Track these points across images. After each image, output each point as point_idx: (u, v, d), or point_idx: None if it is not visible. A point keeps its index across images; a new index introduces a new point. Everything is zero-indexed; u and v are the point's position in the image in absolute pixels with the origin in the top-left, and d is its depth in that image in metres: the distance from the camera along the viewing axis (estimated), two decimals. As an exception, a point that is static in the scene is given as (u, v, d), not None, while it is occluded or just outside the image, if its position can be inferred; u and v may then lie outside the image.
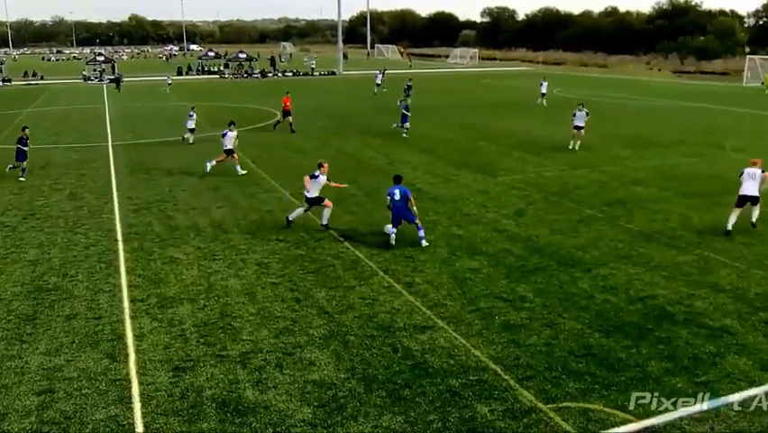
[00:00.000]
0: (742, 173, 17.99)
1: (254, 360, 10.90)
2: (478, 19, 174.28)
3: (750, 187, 17.61)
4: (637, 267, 15.22)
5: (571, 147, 30.44)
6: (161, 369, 10.62)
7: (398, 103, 37.52)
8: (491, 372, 10.50)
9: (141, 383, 10.18)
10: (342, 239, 17.27)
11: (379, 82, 60.08)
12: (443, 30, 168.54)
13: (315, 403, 9.65)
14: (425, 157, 28.79)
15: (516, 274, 14.77)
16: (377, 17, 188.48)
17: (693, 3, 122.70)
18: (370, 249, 16.44)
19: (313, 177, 17.93)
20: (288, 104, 36.42)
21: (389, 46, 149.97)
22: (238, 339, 11.64)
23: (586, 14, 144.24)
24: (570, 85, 66.39)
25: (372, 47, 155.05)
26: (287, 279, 14.54)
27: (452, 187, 23.04)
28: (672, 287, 14.01)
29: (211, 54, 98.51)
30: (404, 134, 33.89)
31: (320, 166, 18.13)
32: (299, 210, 18.36)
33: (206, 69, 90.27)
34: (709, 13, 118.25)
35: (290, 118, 36.14)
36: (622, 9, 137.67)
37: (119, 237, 17.51)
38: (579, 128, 30.56)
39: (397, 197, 16.75)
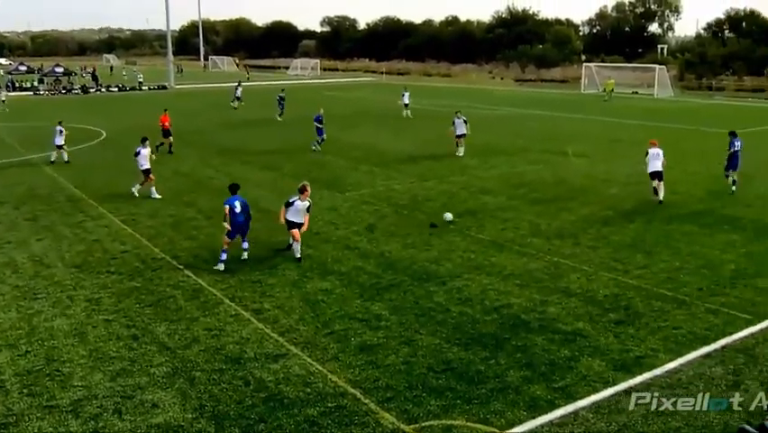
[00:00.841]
0: (647, 154, 22.48)
1: (88, 408, 10.31)
2: (318, 29, 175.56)
3: (657, 164, 22.18)
4: (491, 277, 15.90)
5: (459, 154, 32.44)
6: (-23, 428, 9.82)
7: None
8: (350, 396, 10.56)
9: (-48, 447, 9.37)
10: (181, 267, 16.78)
11: (239, 95, 59.10)
12: (282, 40, 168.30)
13: (161, 449, 9.29)
14: (270, 174, 28.62)
15: (370, 292, 14.98)
16: (210, 27, 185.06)
17: (531, 12, 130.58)
18: (214, 276, 16.07)
19: (288, 204, 16.96)
20: (166, 122, 35.08)
21: (225, 57, 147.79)
22: (68, 386, 10.98)
23: (427, 24, 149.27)
24: (415, 95, 68.26)
25: (206, 58, 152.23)
26: (121, 314, 13.90)
27: (300, 204, 22.98)
28: (526, 294, 14.76)
29: (22, 68, 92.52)
30: (313, 147, 34.80)
31: (302, 191, 17.03)
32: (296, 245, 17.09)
33: (17, 85, 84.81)
34: (546, 22, 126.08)
35: (171, 138, 34.82)
36: (462, 18, 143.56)
37: None
38: (460, 136, 32.50)
39: (239, 208, 16.56)
